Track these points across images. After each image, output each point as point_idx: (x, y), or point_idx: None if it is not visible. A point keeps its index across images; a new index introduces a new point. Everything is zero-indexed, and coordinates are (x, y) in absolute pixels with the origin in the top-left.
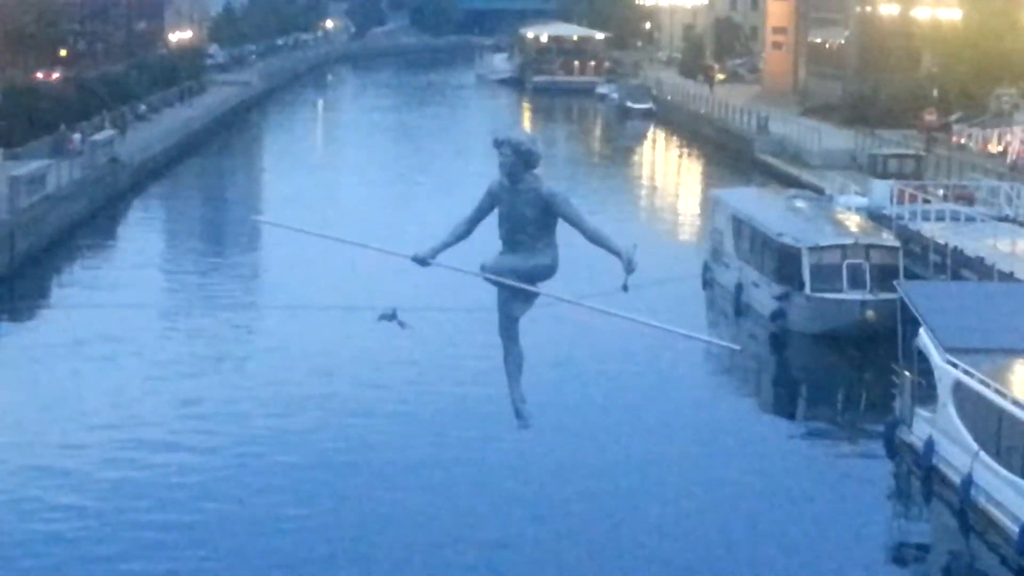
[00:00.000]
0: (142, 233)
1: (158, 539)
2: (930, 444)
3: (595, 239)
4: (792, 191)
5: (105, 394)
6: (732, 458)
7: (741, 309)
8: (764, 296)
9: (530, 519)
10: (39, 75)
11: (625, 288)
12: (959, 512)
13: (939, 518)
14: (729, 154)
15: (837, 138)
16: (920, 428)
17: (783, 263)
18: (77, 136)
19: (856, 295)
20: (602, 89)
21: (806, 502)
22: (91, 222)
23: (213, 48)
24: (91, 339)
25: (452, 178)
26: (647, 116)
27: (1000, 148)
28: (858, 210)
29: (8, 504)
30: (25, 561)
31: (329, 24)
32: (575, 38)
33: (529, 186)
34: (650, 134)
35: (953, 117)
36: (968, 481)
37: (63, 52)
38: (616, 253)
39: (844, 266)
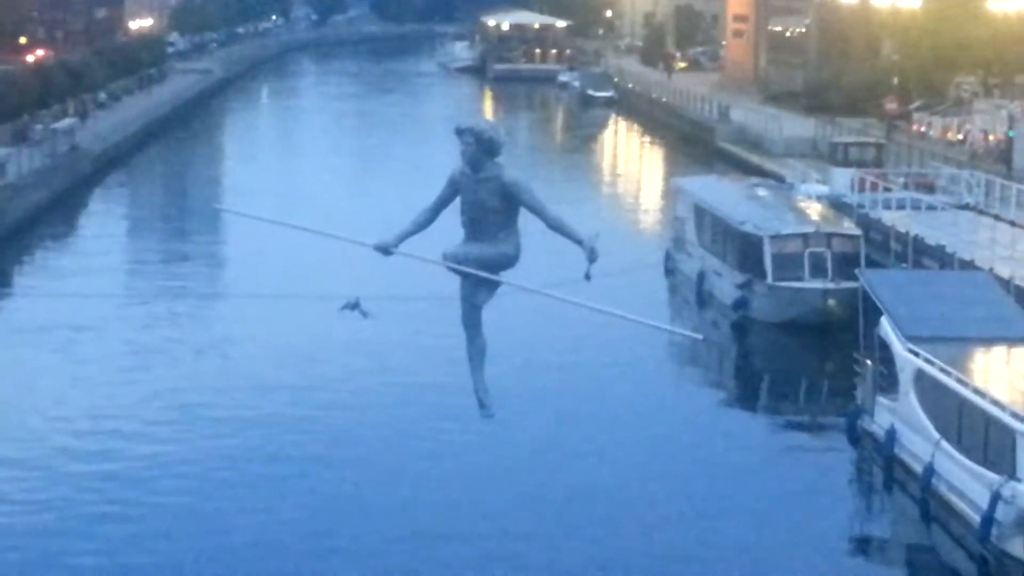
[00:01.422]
0: (103, 221)
1: (116, 529)
2: (892, 433)
3: (557, 227)
4: (753, 179)
5: (66, 382)
6: (693, 447)
7: (703, 298)
8: (726, 285)
9: (488, 511)
10: None
11: (587, 277)
12: (921, 501)
13: (901, 507)
14: (691, 142)
15: (798, 126)
16: (882, 417)
17: (745, 251)
18: (39, 127)
19: (818, 284)
20: (563, 77)
21: (767, 491)
22: (52, 210)
23: (174, 36)
24: (52, 327)
25: (414, 166)
26: (608, 104)
27: (960, 136)
28: (819, 198)
29: None
30: None
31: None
32: (536, 26)
33: (491, 174)
34: (612, 122)
35: (913, 105)
36: (930, 470)
37: (23, 39)
38: (578, 241)
39: (806, 254)
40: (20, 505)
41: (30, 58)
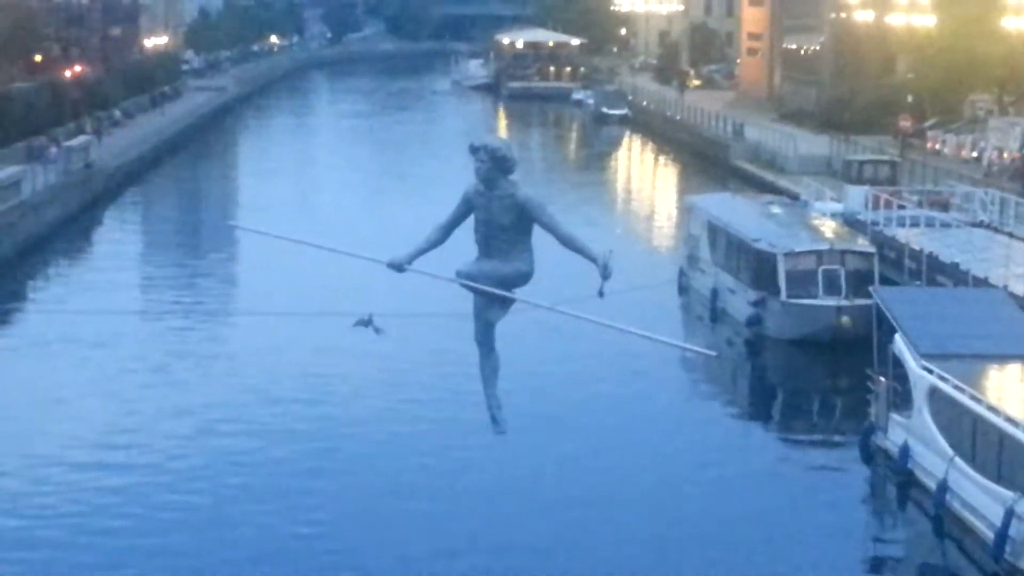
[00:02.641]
0: (117, 239)
1: (126, 543)
2: (905, 450)
3: (571, 245)
4: (768, 197)
5: (79, 398)
6: (706, 464)
7: (717, 315)
8: (740, 302)
9: (498, 525)
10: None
11: (601, 294)
12: (934, 518)
13: (914, 524)
14: (705, 160)
15: (812, 144)
16: (895, 434)
17: (759, 269)
18: (54, 150)
19: (831, 301)
20: (578, 95)
21: (781, 508)
22: (66, 228)
23: (188, 54)
24: (66, 343)
25: (428, 183)
26: (623, 122)
27: (974, 154)
28: (833, 216)
29: None
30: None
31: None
32: (551, 44)
33: (505, 192)
34: (626, 140)
35: (928, 123)
36: (943, 487)
37: (38, 58)
38: (592, 259)
39: (820, 272)
40: (32, 519)
41: (68, 73)
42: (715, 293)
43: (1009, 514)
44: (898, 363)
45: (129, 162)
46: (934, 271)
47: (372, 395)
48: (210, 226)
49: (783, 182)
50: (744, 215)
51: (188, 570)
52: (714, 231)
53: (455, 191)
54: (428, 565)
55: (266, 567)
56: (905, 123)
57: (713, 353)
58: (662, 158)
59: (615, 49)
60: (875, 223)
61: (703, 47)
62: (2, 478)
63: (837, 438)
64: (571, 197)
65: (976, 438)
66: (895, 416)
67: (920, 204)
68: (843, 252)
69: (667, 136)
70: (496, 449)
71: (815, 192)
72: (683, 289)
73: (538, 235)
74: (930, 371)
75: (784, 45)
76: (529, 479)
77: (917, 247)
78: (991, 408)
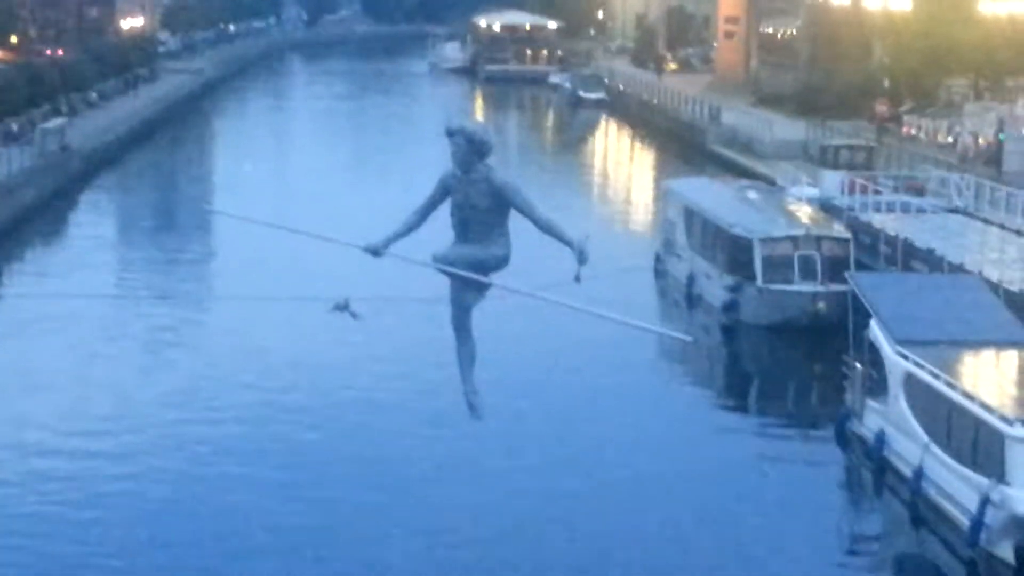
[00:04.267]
0: (93, 221)
1: (98, 534)
2: (881, 436)
3: (547, 229)
4: (744, 182)
5: (54, 381)
6: (681, 450)
7: (693, 300)
8: (716, 287)
9: (477, 513)
10: None
11: (577, 279)
12: (910, 504)
13: (890, 510)
14: (681, 144)
15: (789, 128)
16: (871, 420)
17: (735, 254)
18: (28, 127)
19: (807, 287)
20: (555, 78)
21: (757, 495)
22: (42, 210)
23: (165, 35)
24: (40, 328)
25: (404, 167)
26: (599, 105)
27: (950, 139)
28: (809, 201)
29: None
30: None
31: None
32: (528, 27)
33: (481, 176)
34: (602, 124)
35: (904, 108)
36: (919, 473)
37: (14, 39)
38: (568, 243)
39: (795, 257)
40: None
41: (44, 55)
42: (691, 278)
43: (984, 501)
44: (874, 349)
45: (105, 144)
46: (909, 257)
47: (348, 380)
48: (186, 209)
49: (760, 167)
50: (720, 200)
51: (166, 554)
52: (690, 216)
53: (432, 174)
54: (403, 553)
55: (251, 557)
56: (881, 108)
57: (689, 338)
58: (639, 142)
59: (592, 32)
60: (851, 208)
61: (680, 31)
62: None
63: (812, 424)
64: (547, 181)
65: (951, 424)
66: (871, 402)
67: (896, 189)
68: (819, 238)
69: (644, 120)
70: (470, 435)
71: (791, 177)
72: (659, 274)
73: (515, 219)
74: (905, 357)
75: (761, 29)
76: (501, 465)
77: (892, 233)
78: (966, 394)
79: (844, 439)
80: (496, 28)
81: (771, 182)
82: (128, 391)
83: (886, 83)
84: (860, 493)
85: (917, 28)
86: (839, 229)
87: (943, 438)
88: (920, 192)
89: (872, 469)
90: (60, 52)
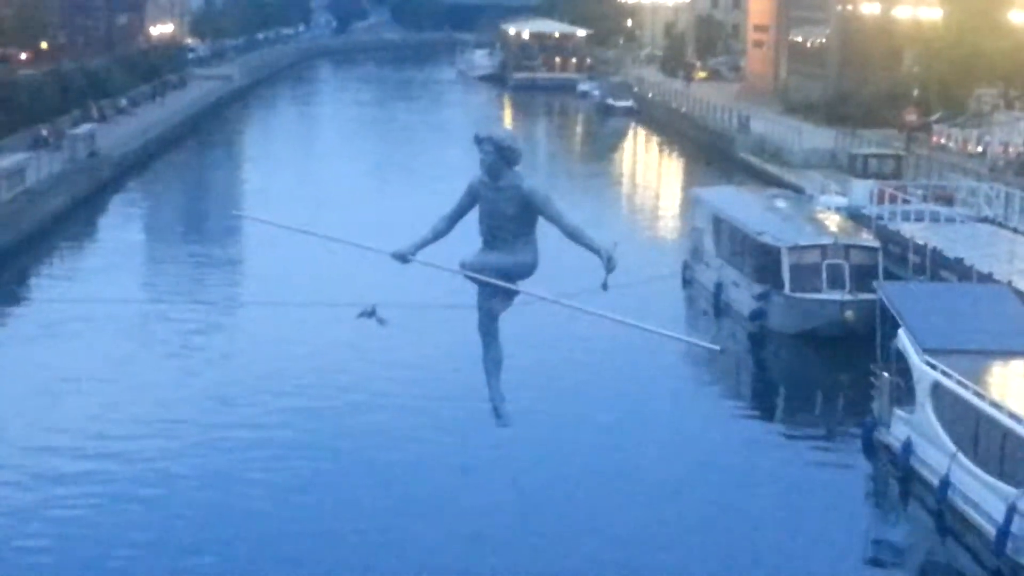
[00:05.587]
0: (122, 227)
1: (126, 535)
2: (908, 445)
3: (575, 237)
4: (772, 190)
5: (84, 385)
6: (710, 458)
7: (721, 308)
8: (744, 296)
9: (507, 518)
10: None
11: (605, 286)
12: (936, 513)
13: (917, 519)
14: (710, 152)
15: (818, 137)
16: (898, 429)
17: (763, 262)
18: (57, 133)
19: (835, 295)
20: (583, 86)
21: (784, 503)
22: (71, 216)
23: (194, 42)
24: (69, 331)
25: (433, 174)
26: (628, 114)
27: (980, 148)
28: (838, 210)
29: None
30: None
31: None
32: (557, 35)
33: (510, 183)
34: (631, 132)
35: (933, 117)
36: (946, 482)
37: (44, 45)
38: (596, 251)
39: (824, 266)
40: (32, 508)
41: (73, 61)
42: (719, 287)
43: (1011, 510)
44: (901, 358)
45: (134, 150)
46: (938, 266)
47: (375, 386)
48: (215, 215)
49: (788, 176)
50: (748, 208)
51: (186, 554)
52: (718, 224)
53: (460, 181)
54: (428, 557)
55: (268, 563)
56: (911, 117)
57: (716, 347)
58: (667, 150)
59: (621, 40)
60: (879, 217)
61: (709, 39)
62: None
63: (839, 433)
64: (575, 189)
65: (979, 434)
66: (898, 411)
67: (925, 198)
68: (847, 246)
69: (672, 128)
70: (497, 441)
71: (820, 186)
72: (687, 282)
73: (542, 227)
74: (933, 366)
75: (790, 37)
76: (528, 471)
77: (921, 242)
78: (994, 404)
79: (871, 448)
80: (525, 36)
81: (800, 191)
82: (156, 395)
83: (916, 92)
84: (886, 502)
85: (947, 37)
86: (867, 238)
87: (970, 447)
88: (949, 201)
89: (899, 478)
90: (84, 57)
